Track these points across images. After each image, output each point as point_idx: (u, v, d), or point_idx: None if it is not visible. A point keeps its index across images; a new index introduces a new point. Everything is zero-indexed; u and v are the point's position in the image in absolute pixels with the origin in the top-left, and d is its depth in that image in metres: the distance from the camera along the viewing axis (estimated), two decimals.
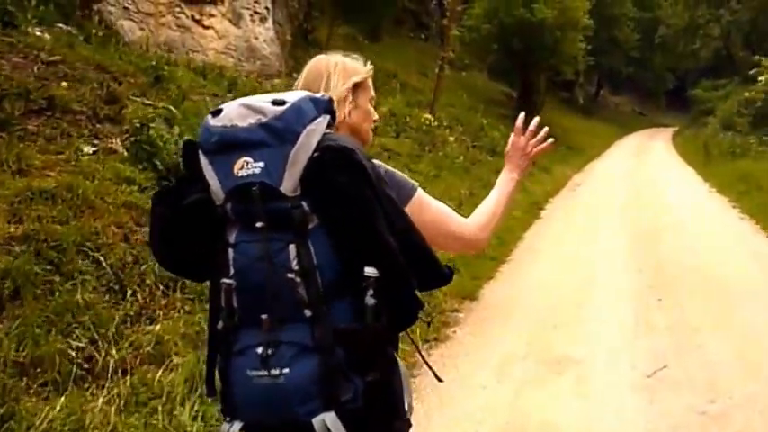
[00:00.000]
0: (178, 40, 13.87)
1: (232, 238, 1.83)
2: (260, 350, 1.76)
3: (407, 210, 1.98)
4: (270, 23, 16.47)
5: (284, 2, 19.13)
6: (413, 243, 1.87)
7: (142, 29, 13.13)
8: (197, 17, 14.30)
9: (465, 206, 9.56)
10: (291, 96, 1.82)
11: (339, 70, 2.19)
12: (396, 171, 2.14)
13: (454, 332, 7.15)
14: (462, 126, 22.09)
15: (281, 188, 1.76)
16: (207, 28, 14.55)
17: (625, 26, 49.72)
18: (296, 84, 2.24)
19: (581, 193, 18.62)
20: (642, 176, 22.00)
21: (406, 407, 1.96)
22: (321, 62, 2.23)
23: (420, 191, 2.15)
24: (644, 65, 56.69)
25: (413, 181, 2.17)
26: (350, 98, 2.18)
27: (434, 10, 36.04)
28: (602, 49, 43.37)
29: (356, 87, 2.20)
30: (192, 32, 14.22)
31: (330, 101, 1.87)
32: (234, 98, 2.15)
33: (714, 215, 14.64)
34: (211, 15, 14.64)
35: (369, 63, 2.31)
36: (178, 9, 13.92)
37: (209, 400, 2.49)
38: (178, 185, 1.98)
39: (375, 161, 1.97)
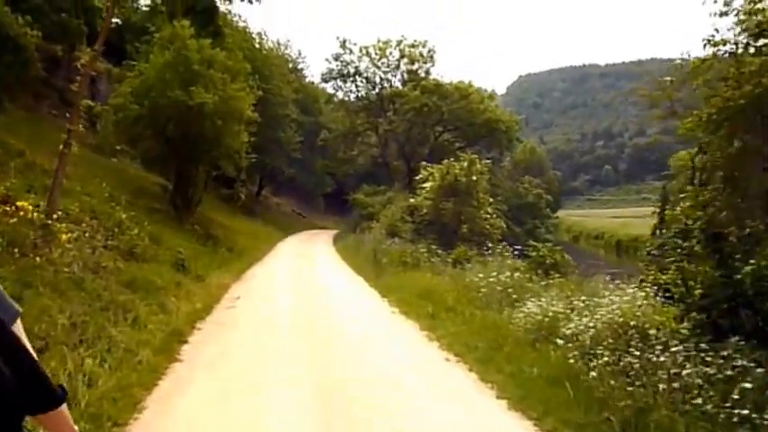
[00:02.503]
0: None
1: None
2: None
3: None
4: None
5: None
6: (20, 360, 1.75)
7: None
8: None
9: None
10: None
11: None
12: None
13: None
14: (98, 220, 16.96)
15: None
16: None
17: (288, 127, 48.75)
18: None
19: (240, 314, 14.53)
20: (313, 291, 18.69)
21: None
22: None
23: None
24: (305, 167, 56.45)
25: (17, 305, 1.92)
26: None
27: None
28: (265, 148, 41.42)
29: None
30: None
31: None
32: None
33: (413, 356, 11.49)
34: None
35: None
36: None
37: None
38: None
39: None
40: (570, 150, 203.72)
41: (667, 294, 11.19)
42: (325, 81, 56.05)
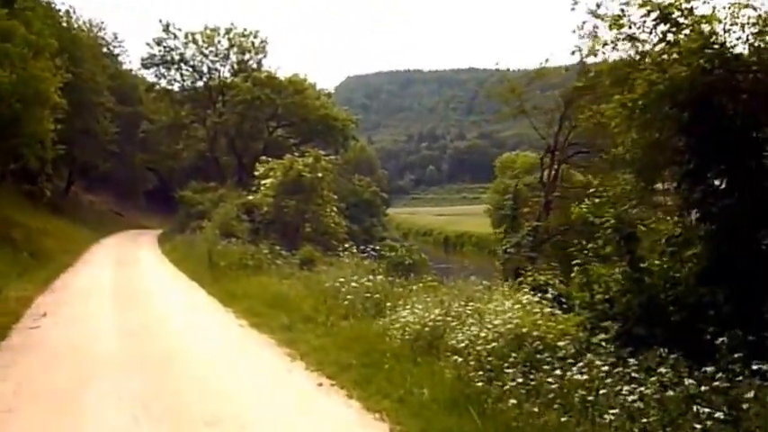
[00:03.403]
0: None
1: None
2: None
3: None
4: None
5: None
6: None
7: None
8: None
9: None
10: None
11: None
12: None
13: None
14: None
15: None
16: None
17: (103, 117, 44.35)
18: None
19: (46, 338, 11.70)
20: (140, 303, 15.96)
21: None
22: None
23: None
24: (124, 161, 51.95)
25: None
26: None
27: None
28: (75, 138, 37.18)
29: None
30: None
31: None
32: None
33: (277, 384, 9.39)
34: None
35: None
36: None
37: None
38: None
39: None
40: (397, 151, 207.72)
41: (560, 299, 10.09)
42: (146, 67, 51.64)
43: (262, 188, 27.23)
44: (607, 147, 26.35)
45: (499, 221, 65.26)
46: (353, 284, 13.19)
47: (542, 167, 26.42)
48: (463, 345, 8.52)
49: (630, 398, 6.13)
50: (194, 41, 51.07)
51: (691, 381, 6.18)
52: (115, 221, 49.23)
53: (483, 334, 8.49)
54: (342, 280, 13.69)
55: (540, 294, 10.10)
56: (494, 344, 8.11)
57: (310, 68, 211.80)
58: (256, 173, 28.70)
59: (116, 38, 58.66)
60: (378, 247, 17.92)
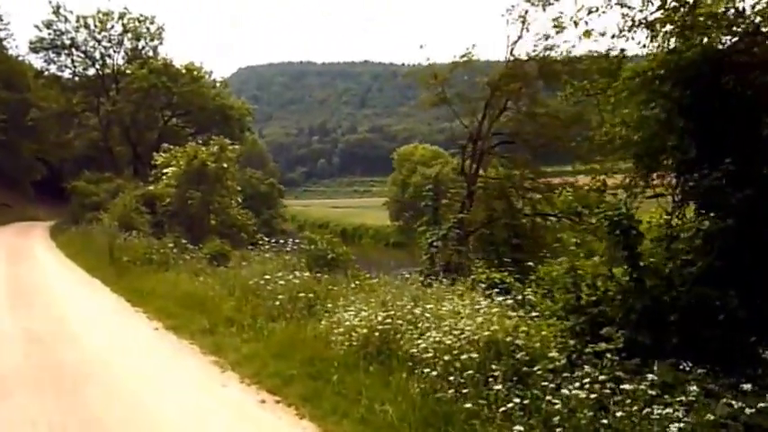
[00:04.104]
0: None
1: None
2: None
3: None
4: None
5: None
6: None
7: None
8: None
9: None
10: None
11: None
12: None
13: None
14: None
15: None
16: None
17: None
18: None
19: None
20: (36, 304, 14.02)
21: None
22: None
23: None
24: (10, 149, 47.67)
25: None
26: None
27: None
28: None
29: None
30: None
31: None
32: None
33: (212, 402, 8.00)
34: None
35: None
36: None
37: None
38: None
39: None
40: (288, 143, 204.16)
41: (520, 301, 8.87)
42: (35, 51, 47.24)
43: (164, 178, 25.10)
44: (541, 137, 26.01)
45: (397, 214, 65.22)
46: (281, 282, 11.83)
47: (463, 157, 25.63)
48: (429, 354, 7.41)
49: (674, 426, 5.03)
50: (86, 26, 47.22)
51: (734, 402, 5.23)
52: (1, 213, 45.07)
53: (448, 341, 7.41)
54: (267, 277, 12.28)
55: (502, 295, 8.99)
56: (468, 354, 7.01)
57: (201, 59, 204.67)
58: (156, 162, 26.41)
59: (1, 19, 53.84)
60: (297, 240, 16.57)
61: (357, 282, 11.92)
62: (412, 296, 9.85)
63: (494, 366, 6.79)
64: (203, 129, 46.77)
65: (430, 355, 7.38)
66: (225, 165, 24.30)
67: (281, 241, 17.24)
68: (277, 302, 11.12)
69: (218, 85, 52.18)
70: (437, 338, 7.59)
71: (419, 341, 7.82)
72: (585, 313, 7.24)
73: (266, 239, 17.85)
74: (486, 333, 7.45)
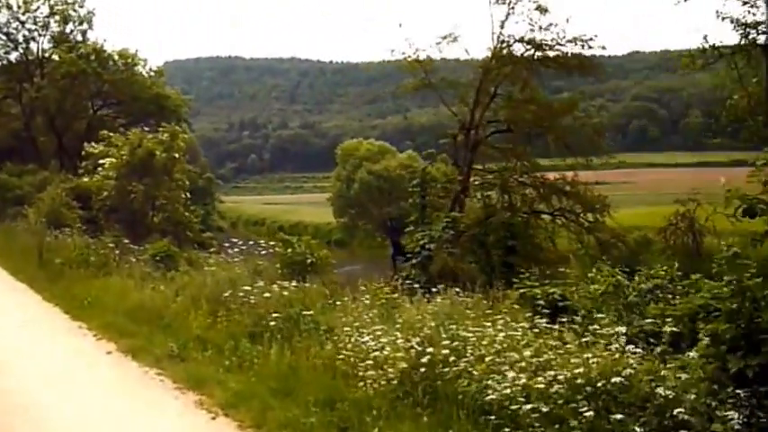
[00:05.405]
0: None
1: None
2: None
3: None
4: None
5: None
6: None
7: None
8: None
9: None
10: None
11: None
12: None
13: None
14: None
15: None
16: None
17: None
18: None
19: None
20: None
21: None
22: None
23: None
24: None
25: None
26: None
27: None
28: None
29: None
30: None
31: None
32: None
33: None
34: None
35: None
36: None
37: None
38: None
39: None
40: (217, 138, 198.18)
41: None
42: None
43: (100, 169, 22.11)
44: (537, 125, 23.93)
45: (341, 211, 62.82)
46: (266, 294, 9.52)
47: (456, 148, 23.41)
48: (509, 400, 5.33)
49: None
50: (8, 6, 42.77)
51: None
52: None
53: (538, 384, 5.35)
54: (247, 288, 9.93)
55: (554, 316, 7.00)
56: (576, 403, 4.98)
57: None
58: (88, 152, 23.35)
59: None
60: (262, 241, 14.28)
61: (370, 295, 9.56)
62: (445, 316, 7.73)
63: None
64: (136, 120, 43.20)
65: (517, 407, 5.30)
66: (176, 155, 21.57)
67: (237, 241, 14.87)
68: (264, 320, 8.83)
69: (153, 73, 48.60)
70: (518, 379, 5.53)
71: (488, 381, 5.75)
72: (721, 343, 5.24)
73: (214, 239, 15.48)
74: (581, 371, 5.46)
